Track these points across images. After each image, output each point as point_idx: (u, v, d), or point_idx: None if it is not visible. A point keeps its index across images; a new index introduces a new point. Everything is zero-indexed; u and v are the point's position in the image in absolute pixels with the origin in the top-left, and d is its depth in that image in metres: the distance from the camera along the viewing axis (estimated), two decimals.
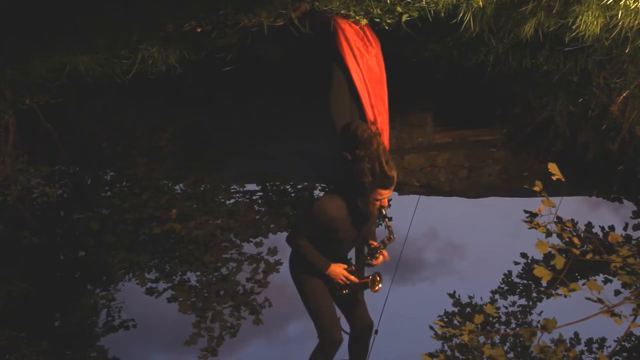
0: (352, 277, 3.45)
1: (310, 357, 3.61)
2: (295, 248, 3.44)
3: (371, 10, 3.51)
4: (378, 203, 3.23)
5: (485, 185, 6.23)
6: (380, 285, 3.45)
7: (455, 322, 4.12)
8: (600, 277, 4.50)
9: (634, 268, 3.88)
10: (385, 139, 3.75)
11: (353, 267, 3.52)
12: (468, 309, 4.40)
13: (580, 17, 3.58)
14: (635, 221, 4.88)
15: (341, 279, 3.44)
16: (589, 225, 4.94)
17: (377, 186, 3.15)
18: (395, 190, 6.04)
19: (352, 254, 3.75)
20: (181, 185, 6.19)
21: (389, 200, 6.10)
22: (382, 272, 3.49)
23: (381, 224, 3.91)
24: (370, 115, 3.64)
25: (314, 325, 3.57)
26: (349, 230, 3.36)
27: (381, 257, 3.48)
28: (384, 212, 3.31)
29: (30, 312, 4.48)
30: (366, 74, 3.53)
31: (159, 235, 5.38)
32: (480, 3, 3.52)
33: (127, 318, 4.56)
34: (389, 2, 3.47)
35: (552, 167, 3.86)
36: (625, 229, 4.87)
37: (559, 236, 4.23)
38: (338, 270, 3.42)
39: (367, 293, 3.60)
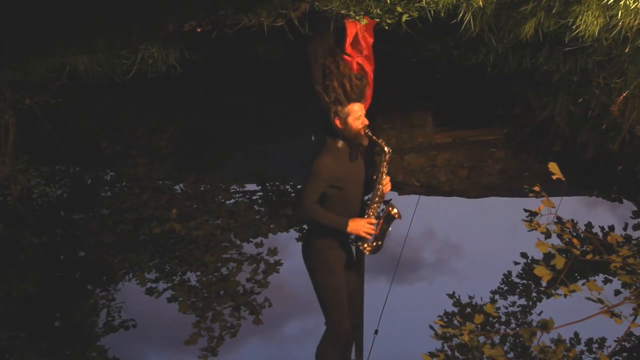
0: (373, 220, 3.33)
1: (318, 349, 3.52)
2: (308, 215, 3.33)
3: (371, 10, 3.51)
4: (360, 122, 3.28)
5: (485, 185, 6.23)
6: (397, 209, 3.37)
7: (455, 322, 4.12)
8: (600, 277, 4.50)
9: (634, 268, 3.88)
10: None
11: (368, 211, 3.36)
12: (468, 309, 4.39)
13: (580, 17, 3.57)
14: (635, 221, 4.88)
15: (365, 230, 3.30)
16: (589, 225, 4.94)
17: (350, 101, 3.29)
18: (395, 190, 6.10)
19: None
20: (181, 185, 6.20)
21: (389, 200, 6.09)
22: (381, 273, 3.48)
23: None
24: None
25: (326, 314, 3.47)
26: (353, 172, 3.37)
27: (387, 179, 3.41)
28: (368, 132, 3.31)
29: (30, 312, 4.48)
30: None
31: (159, 235, 5.39)
32: (480, 3, 3.52)
33: (127, 318, 4.56)
34: (389, 2, 3.46)
35: (553, 167, 3.86)
36: (625, 229, 4.86)
37: (559, 236, 4.23)
38: (358, 222, 3.29)
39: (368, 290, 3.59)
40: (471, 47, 4.50)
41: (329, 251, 3.41)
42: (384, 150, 3.37)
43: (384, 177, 3.40)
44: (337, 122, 3.31)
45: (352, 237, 3.42)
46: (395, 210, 3.36)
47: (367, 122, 3.33)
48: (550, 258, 3.93)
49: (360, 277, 3.68)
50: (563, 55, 4.36)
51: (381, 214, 3.38)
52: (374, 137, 3.34)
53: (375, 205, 3.37)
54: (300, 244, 3.59)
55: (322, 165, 3.29)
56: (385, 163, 3.38)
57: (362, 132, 3.32)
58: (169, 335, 4.38)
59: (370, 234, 3.33)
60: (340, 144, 3.35)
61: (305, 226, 5.63)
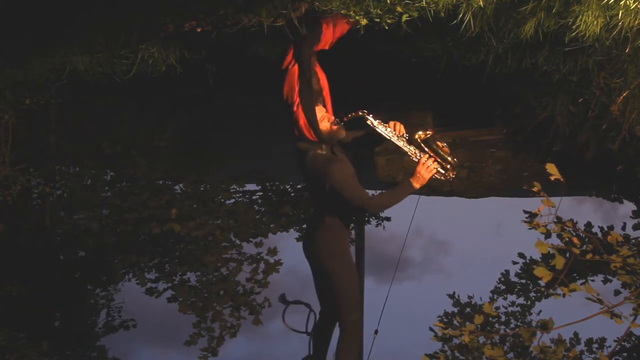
0: (424, 157, 3.22)
1: (340, 351, 3.48)
2: (380, 209, 3.49)
3: (371, 10, 3.51)
4: (326, 122, 3.28)
5: (485, 185, 6.23)
6: (421, 131, 3.29)
7: (455, 322, 4.12)
8: (600, 277, 4.50)
9: (634, 268, 3.87)
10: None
11: (413, 157, 3.26)
12: (468, 310, 4.40)
13: (580, 17, 3.57)
14: (635, 221, 4.88)
15: (430, 169, 3.21)
16: (589, 225, 4.94)
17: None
18: None
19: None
20: (181, 185, 6.20)
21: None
22: (380, 273, 3.49)
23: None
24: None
25: (337, 306, 3.43)
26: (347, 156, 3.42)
27: (392, 125, 3.33)
28: (337, 121, 3.30)
29: (30, 312, 4.48)
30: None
31: (159, 235, 5.39)
32: (481, 3, 3.51)
33: (127, 318, 4.57)
34: (389, 2, 3.46)
35: (550, 168, 3.86)
36: (624, 228, 4.87)
37: (559, 236, 4.23)
38: (419, 172, 3.19)
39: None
40: (471, 47, 4.49)
41: (342, 242, 3.42)
42: (363, 115, 3.27)
43: (388, 126, 3.30)
44: (309, 135, 3.29)
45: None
46: (420, 133, 3.26)
47: (332, 118, 3.32)
48: (550, 258, 3.93)
49: (360, 274, 3.71)
50: (563, 55, 4.36)
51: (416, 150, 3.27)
52: (345, 119, 3.30)
53: (410, 148, 3.27)
54: (299, 243, 3.60)
55: (341, 171, 3.23)
56: (372, 121, 3.26)
57: (334, 127, 3.29)
58: (169, 335, 4.39)
59: (435, 167, 3.23)
60: (323, 148, 3.32)
61: (304, 226, 5.64)
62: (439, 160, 3.24)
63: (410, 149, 3.27)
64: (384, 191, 3.27)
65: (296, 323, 3.78)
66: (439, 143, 3.27)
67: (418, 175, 3.18)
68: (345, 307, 3.42)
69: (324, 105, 3.40)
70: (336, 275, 3.42)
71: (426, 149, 3.25)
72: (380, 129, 3.27)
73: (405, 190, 3.21)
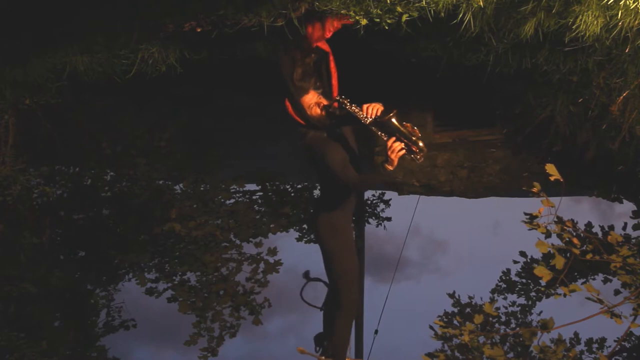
0: (392, 140, 3.19)
1: (329, 325, 3.52)
2: (362, 188, 3.49)
3: (371, 10, 3.51)
4: (317, 108, 3.38)
5: (485, 185, 6.23)
6: (388, 116, 3.23)
7: (455, 322, 4.12)
8: (600, 277, 4.50)
9: (634, 268, 3.87)
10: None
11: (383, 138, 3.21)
12: (468, 310, 4.40)
13: (580, 17, 3.57)
14: (635, 221, 4.88)
15: (398, 150, 3.18)
16: (589, 225, 4.94)
17: (300, 93, 3.38)
18: (395, 190, 6.08)
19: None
20: (181, 185, 6.20)
21: (389, 200, 6.11)
22: (380, 273, 3.48)
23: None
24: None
25: (336, 285, 3.47)
26: (347, 136, 3.49)
27: (365, 108, 3.28)
28: (324, 108, 3.38)
29: (30, 312, 4.48)
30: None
31: (159, 235, 5.38)
32: (481, 3, 3.51)
33: (127, 318, 4.57)
34: (389, 2, 3.46)
35: (550, 168, 3.86)
36: (624, 228, 4.87)
37: (559, 236, 4.22)
38: (388, 154, 3.17)
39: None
40: (471, 47, 4.49)
41: (342, 221, 3.48)
42: (338, 99, 3.30)
43: (362, 110, 3.25)
44: (300, 121, 3.41)
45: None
46: (386, 117, 3.19)
47: (325, 102, 3.40)
48: (550, 258, 3.93)
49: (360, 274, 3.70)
50: (563, 55, 4.36)
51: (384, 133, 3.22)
52: (329, 107, 3.36)
53: (379, 132, 3.21)
54: (299, 243, 3.61)
55: (330, 152, 3.32)
56: (347, 105, 3.25)
57: (323, 113, 3.37)
58: (168, 335, 4.39)
59: (402, 147, 3.18)
60: (321, 130, 3.41)
61: (305, 225, 5.64)
62: (406, 141, 3.20)
63: (380, 133, 3.22)
64: (366, 173, 3.33)
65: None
66: (408, 125, 3.23)
67: (388, 158, 3.19)
68: (343, 286, 3.47)
69: (323, 91, 3.50)
70: (335, 253, 3.48)
71: (396, 130, 3.19)
72: (354, 112, 3.26)
73: (380, 173, 3.24)
